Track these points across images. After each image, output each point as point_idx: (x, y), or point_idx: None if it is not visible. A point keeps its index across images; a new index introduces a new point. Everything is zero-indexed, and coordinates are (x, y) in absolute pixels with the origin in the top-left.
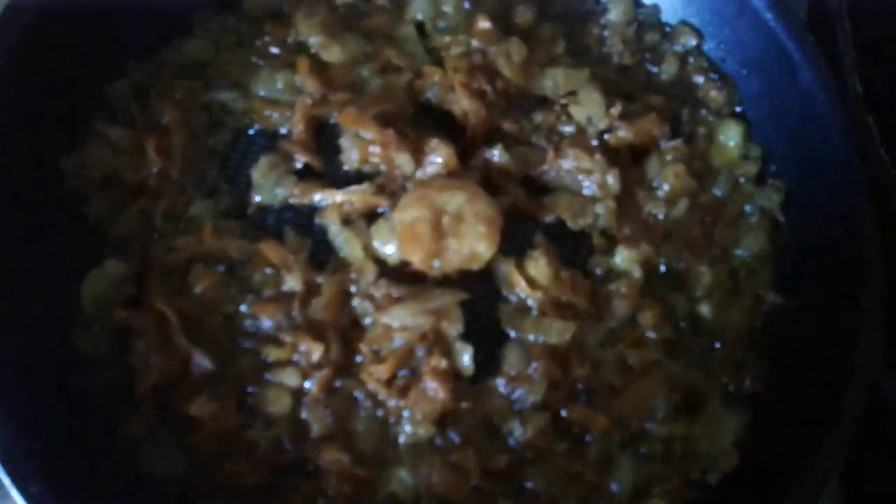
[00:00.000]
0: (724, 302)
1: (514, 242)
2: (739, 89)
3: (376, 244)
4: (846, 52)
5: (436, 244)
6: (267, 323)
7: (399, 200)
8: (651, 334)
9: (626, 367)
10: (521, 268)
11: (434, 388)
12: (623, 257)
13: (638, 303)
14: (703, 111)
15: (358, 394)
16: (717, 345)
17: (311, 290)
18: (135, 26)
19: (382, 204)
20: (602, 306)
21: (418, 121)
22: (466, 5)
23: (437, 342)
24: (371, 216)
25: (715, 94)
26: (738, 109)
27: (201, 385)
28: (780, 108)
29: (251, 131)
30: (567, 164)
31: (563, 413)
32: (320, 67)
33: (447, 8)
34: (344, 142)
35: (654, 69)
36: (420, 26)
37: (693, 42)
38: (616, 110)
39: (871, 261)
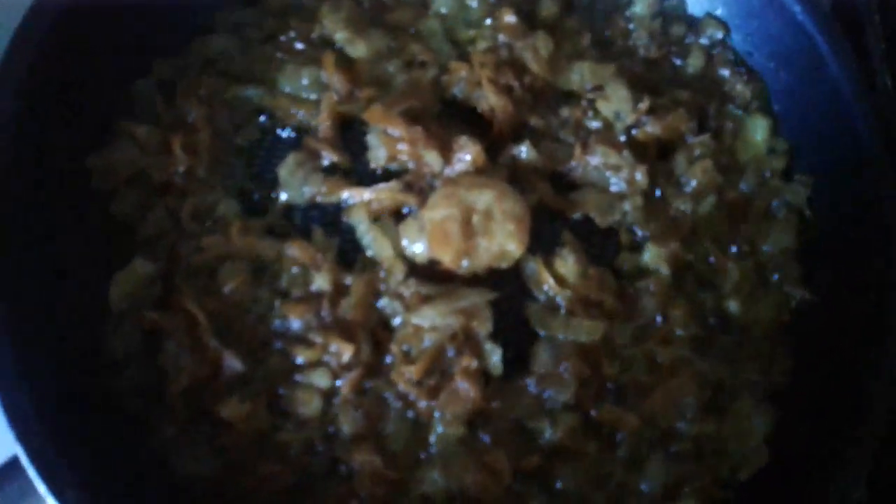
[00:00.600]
0: (751, 297)
1: (541, 240)
2: (766, 83)
3: (405, 243)
4: (875, 46)
5: (466, 243)
6: (296, 323)
7: (427, 198)
8: (680, 331)
9: (655, 364)
10: (549, 266)
11: (465, 389)
12: (651, 254)
13: (666, 300)
14: (730, 106)
15: (388, 395)
16: (745, 341)
17: (339, 290)
18: (160, 24)
19: (410, 202)
20: (630, 304)
21: (444, 117)
22: None
23: (468, 342)
24: (398, 214)
25: (741, 88)
26: (765, 104)
27: (232, 386)
28: (807, 103)
29: (277, 129)
30: (594, 160)
31: (593, 413)
32: (346, 63)
33: (471, 2)
34: (371, 139)
35: (680, 62)
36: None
37: (719, 35)
38: (644, 105)
39: None
